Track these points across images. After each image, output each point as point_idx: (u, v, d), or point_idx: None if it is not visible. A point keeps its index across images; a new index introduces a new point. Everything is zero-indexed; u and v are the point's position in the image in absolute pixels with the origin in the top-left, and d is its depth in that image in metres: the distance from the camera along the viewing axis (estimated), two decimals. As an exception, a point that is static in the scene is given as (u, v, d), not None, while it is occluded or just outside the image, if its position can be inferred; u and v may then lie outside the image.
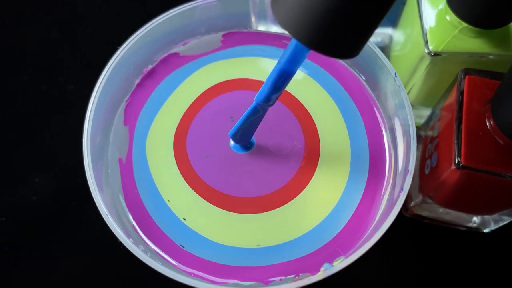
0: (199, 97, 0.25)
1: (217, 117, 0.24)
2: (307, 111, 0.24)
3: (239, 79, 0.25)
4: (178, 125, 0.24)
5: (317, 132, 0.24)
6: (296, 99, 0.25)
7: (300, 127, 0.24)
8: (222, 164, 0.23)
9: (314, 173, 0.23)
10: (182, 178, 0.23)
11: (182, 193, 0.23)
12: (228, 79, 0.25)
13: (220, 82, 0.25)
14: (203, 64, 0.26)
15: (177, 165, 0.23)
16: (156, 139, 0.24)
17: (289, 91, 0.25)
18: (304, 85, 0.25)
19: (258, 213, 0.22)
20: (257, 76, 0.25)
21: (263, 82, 0.25)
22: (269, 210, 0.22)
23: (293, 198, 0.22)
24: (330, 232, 0.22)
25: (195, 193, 0.22)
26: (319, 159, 0.23)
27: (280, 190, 0.23)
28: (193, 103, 0.25)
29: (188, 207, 0.22)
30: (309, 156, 0.23)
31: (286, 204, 0.22)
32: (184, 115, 0.24)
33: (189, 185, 0.23)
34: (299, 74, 0.25)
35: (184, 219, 0.22)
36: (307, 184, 0.23)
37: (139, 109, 0.24)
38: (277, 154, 0.23)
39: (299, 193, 0.23)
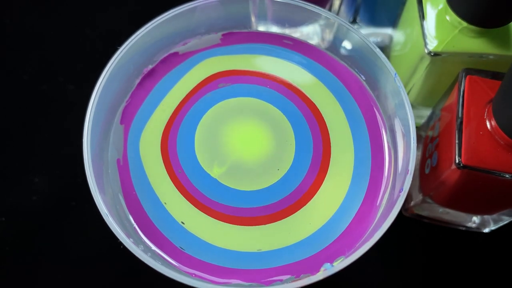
0: (190, 91, 0.25)
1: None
2: (321, 115, 0.24)
3: (235, 70, 0.25)
4: (166, 124, 0.24)
5: (329, 138, 0.24)
6: (312, 102, 0.24)
7: (319, 133, 0.24)
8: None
9: (323, 180, 0.23)
10: (172, 184, 0.23)
11: (177, 198, 0.22)
12: (223, 70, 0.25)
13: (213, 74, 0.25)
14: (201, 59, 0.25)
15: (166, 168, 0.23)
16: (149, 139, 0.24)
17: (304, 92, 0.25)
18: (313, 87, 0.25)
19: (261, 225, 0.22)
20: (256, 68, 0.25)
21: (262, 73, 0.25)
22: (273, 222, 0.22)
23: (300, 209, 0.22)
24: (332, 235, 0.22)
25: (188, 202, 0.22)
26: (329, 165, 0.23)
27: (288, 202, 0.22)
28: (183, 98, 0.24)
29: (184, 212, 0.22)
30: (323, 165, 0.23)
31: (292, 215, 0.22)
32: (173, 112, 0.24)
33: (180, 192, 0.22)
34: (306, 76, 0.25)
35: (183, 223, 0.22)
36: (316, 193, 0.22)
37: (136, 109, 0.24)
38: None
39: (307, 202, 0.22)
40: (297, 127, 0.24)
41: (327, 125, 0.24)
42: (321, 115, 0.24)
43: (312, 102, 0.24)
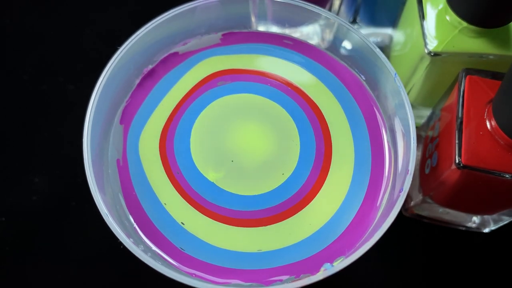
0: (189, 91, 0.24)
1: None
2: (323, 115, 0.24)
3: (235, 69, 0.25)
4: (165, 124, 0.24)
5: (330, 138, 0.24)
6: (313, 102, 0.24)
7: (321, 133, 0.23)
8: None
9: (325, 181, 0.23)
10: (171, 185, 0.23)
11: (176, 199, 0.22)
12: (222, 69, 0.25)
13: (213, 73, 0.25)
14: (201, 59, 0.25)
15: (164, 169, 0.23)
16: (148, 140, 0.23)
17: (305, 91, 0.24)
18: (313, 87, 0.25)
19: (261, 226, 0.22)
20: (256, 68, 0.25)
21: (262, 72, 0.25)
22: (274, 223, 0.22)
23: (301, 210, 0.22)
24: (332, 235, 0.22)
25: (187, 203, 0.22)
26: (331, 166, 0.23)
27: (289, 204, 0.22)
28: (182, 98, 0.24)
29: (184, 212, 0.22)
30: (324, 166, 0.23)
31: (293, 216, 0.22)
32: (171, 112, 0.24)
33: (179, 194, 0.22)
34: (307, 75, 0.25)
35: (182, 223, 0.22)
36: (317, 194, 0.22)
37: (136, 109, 0.24)
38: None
39: (308, 203, 0.22)
40: (301, 125, 0.24)
41: (328, 125, 0.24)
42: (322, 114, 0.24)
43: (313, 101, 0.24)
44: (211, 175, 0.22)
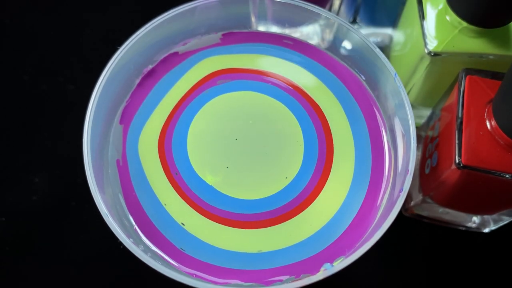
0: (188, 90, 0.24)
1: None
2: (324, 114, 0.24)
3: (235, 68, 0.25)
4: (164, 124, 0.24)
5: (332, 139, 0.23)
6: (315, 101, 0.24)
7: (323, 134, 0.23)
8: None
9: (326, 183, 0.23)
10: (171, 186, 0.22)
11: (176, 200, 0.22)
12: (222, 68, 0.25)
13: (212, 72, 0.25)
14: (200, 58, 0.25)
15: (163, 170, 0.23)
16: (147, 140, 0.23)
17: (305, 91, 0.24)
18: (314, 87, 0.25)
19: (262, 228, 0.22)
20: (256, 67, 0.25)
21: (262, 71, 0.25)
22: (274, 225, 0.22)
23: (302, 211, 0.22)
24: (332, 235, 0.22)
25: (187, 204, 0.22)
26: (332, 166, 0.23)
27: (290, 206, 0.22)
28: (181, 97, 0.24)
29: (184, 213, 0.22)
30: (326, 167, 0.23)
31: (293, 218, 0.22)
32: (171, 111, 0.24)
33: (178, 195, 0.22)
34: (307, 76, 0.25)
35: (183, 224, 0.22)
36: (318, 195, 0.22)
37: (136, 109, 0.24)
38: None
39: (309, 205, 0.22)
40: (304, 125, 0.23)
41: (330, 125, 0.24)
42: (324, 114, 0.24)
43: (314, 101, 0.24)
44: (209, 178, 0.22)
